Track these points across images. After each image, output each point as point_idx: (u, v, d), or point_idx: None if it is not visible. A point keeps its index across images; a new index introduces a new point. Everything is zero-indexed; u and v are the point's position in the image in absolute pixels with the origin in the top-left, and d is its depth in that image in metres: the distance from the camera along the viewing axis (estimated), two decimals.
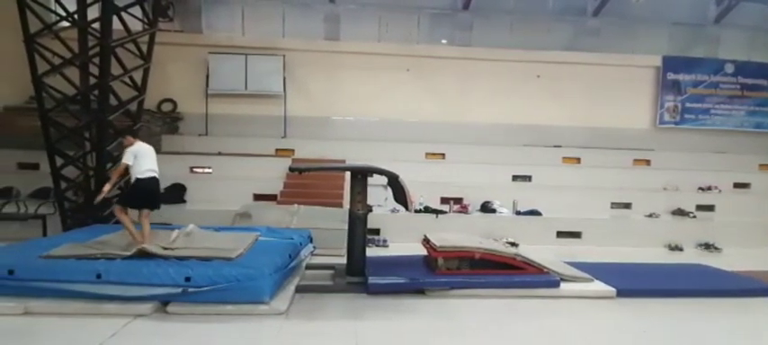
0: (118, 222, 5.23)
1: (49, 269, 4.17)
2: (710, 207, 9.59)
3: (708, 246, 8.26)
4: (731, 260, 7.21)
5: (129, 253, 4.51)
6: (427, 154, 10.73)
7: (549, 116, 11.49)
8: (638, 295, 5.01)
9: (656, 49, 11.97)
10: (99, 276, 4.12)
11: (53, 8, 7.06)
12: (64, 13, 6.85)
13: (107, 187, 4.96)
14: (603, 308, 4.75)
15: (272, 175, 9.15)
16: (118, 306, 4.04)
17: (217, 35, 11.20)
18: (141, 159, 4.97)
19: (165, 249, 4.73)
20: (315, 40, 11.35)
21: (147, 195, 4.97)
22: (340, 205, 8.25)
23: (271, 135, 10.72)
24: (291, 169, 5.60)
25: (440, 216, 8.33)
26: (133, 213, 5.10)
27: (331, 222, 6.97)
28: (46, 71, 6.56)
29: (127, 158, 4.97)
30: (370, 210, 5.18)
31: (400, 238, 7.65)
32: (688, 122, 11.93)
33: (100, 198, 5.03)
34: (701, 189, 10.14)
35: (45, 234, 6.99)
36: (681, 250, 8.16)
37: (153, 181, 5.00)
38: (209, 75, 10.74)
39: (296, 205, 7.82)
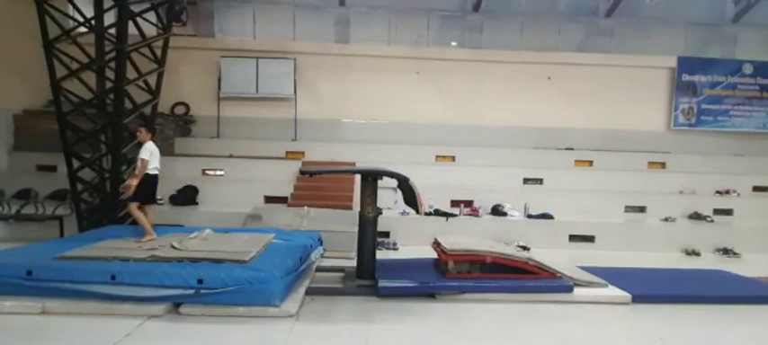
0: (133, 222, 5.44)
1: (65, 271, 4.26)
2: (729, 211, 9.35)
3: (726, 251, 8.06)
4: (751, 265, 7.05)
5: (142, 257, 4.58)
6: (437, 156, 10.69)
7: (561, 118, 11.34)
8: (654, 301, 4.92)
9: (670, 50, 11.73)
10: (113, 277, 4.20)
11: (71, 14, 7.23)
12: (81, 19, 7.01)
13: (134, 181, 5.45)
14: (618, 314, 4.68)
15: (283, 178, 9.21)
16: (132, 307, 4.11)
17: (229, 39, 11.33)
18: (152, 157, 5.57)
19: (179, 249, 4.79)
20: (325, 43, 11.41)
21: (151, 190, 5.63)
22: (350, 207, 8.27)
23: (281, 137, 10.79)
24: (302, 172, 5.65)
25: (450, 219, 8.29)
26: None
27: (341, 224, 6.99)
28: (64, 75, 6.74)
29: (144, 154, 5.51)
30: (380, 213, 5.17)
31: (410, 241, 7.62)
32: (704, 124, 11.66)
33: (132, 191, 5.45)
34: (718, 192, 9.90)
35: (62, 234, 7.16)
36: (698, 255, 7.97)
37: (156, 178, 5.68)
38: (221, 79, 10.86)
39: (306, 207, 7.86)
